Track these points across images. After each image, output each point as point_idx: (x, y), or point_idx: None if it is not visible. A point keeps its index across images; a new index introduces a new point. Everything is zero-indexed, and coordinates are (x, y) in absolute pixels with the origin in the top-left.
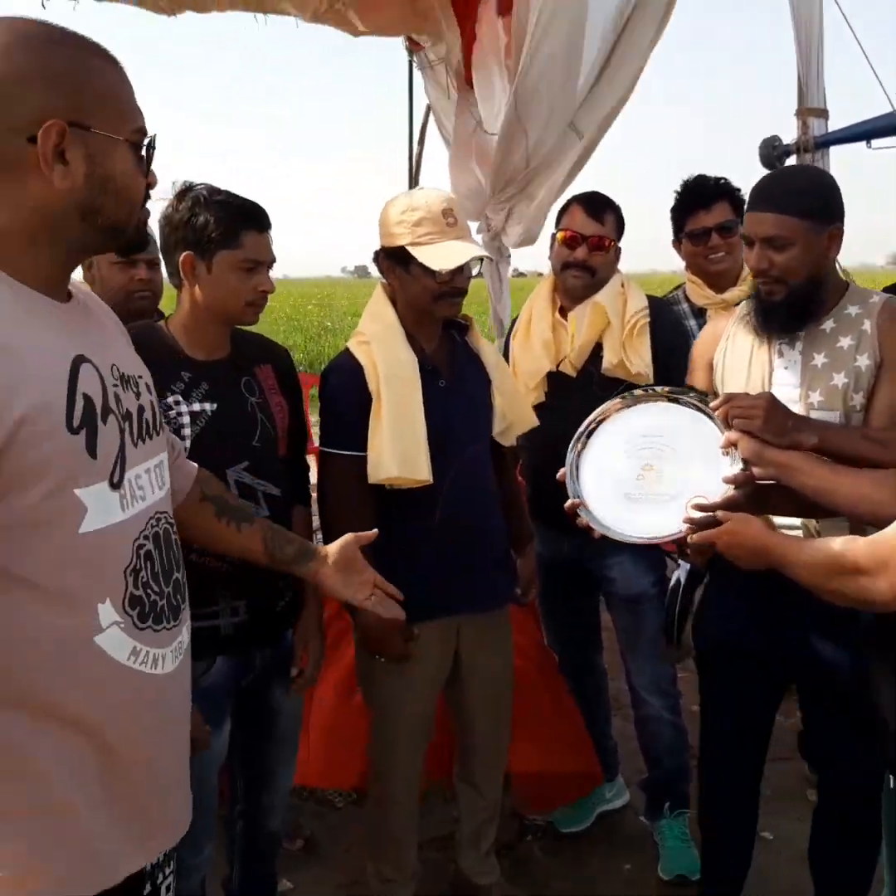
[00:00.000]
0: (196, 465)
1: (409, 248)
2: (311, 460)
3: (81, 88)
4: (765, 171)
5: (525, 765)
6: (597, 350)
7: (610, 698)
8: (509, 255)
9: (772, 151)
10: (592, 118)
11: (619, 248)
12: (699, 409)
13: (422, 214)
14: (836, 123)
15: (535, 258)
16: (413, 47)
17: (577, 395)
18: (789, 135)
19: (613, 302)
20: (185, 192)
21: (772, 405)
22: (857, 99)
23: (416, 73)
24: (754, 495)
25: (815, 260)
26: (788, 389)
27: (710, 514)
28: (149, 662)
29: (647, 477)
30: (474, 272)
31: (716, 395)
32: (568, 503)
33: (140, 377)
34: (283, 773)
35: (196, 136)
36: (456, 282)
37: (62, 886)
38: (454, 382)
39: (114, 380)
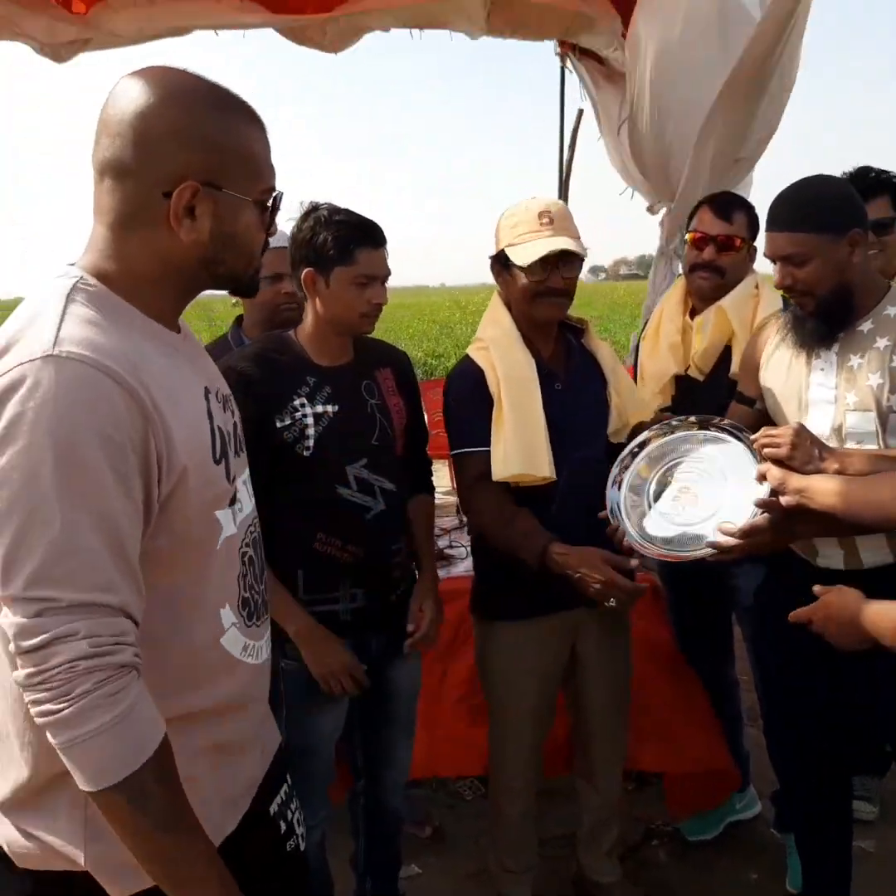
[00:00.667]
0: None
1: (507, 250)
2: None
3: (223, 151)
4: None
5: (655, 764)
6: (727, 354)
7: (744, 709)
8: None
9: None
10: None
11: (754, 248)
12: (737, 438)
13: (519, 217)
14: None
15: None
16: (563, 50)
17: (705, 399)
18: None
19: (740, 306)
20: (309, 212)
21: (798, 434)
22: None
23: (568, 78)
24: (780, 521)
25: (838, 269)
26: (824, 391)
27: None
28: (254, 654)
29: (683, 498)
30: (575, 274)
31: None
32: (602, 512)
33: (229, 395)
34: (402, 751)
35: (373, 155)
36: (551, 281)
37: None
38: (570, 384)
39: (219, 403)
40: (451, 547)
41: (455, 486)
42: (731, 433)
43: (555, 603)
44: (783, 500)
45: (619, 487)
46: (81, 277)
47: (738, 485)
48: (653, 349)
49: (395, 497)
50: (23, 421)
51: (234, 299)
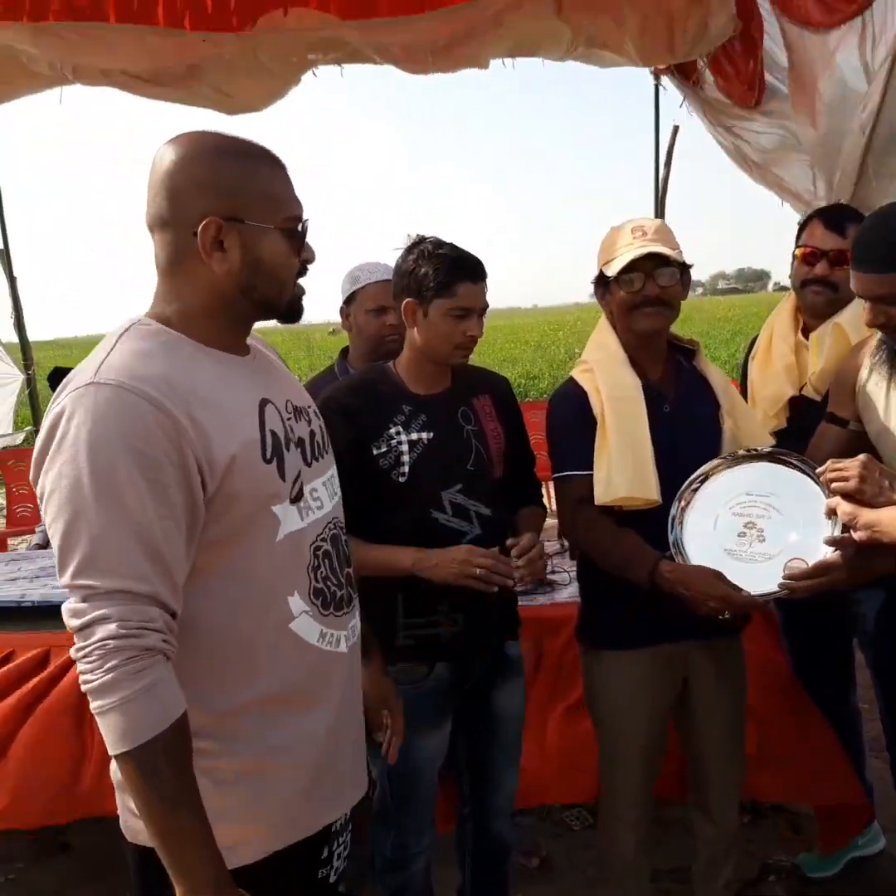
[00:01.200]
0: None
1: (603, 268)
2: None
3: (241, 190)
4: None
5: (775, 794)
6: None
7: (866, 739)
8: None
9: None
10: None
11: None
12: (803, 472)
13: (615, 235)
14: None
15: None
16: (659, 71)
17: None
18: None
19: (858, 322)
20: (415, 245)
21: (866, 466)
22: None
23: (663, 96)
24: (857, 559)
25: None
26: None
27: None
28: (333, 642)
29: (749, 534)
30: (673, 284)
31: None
32: (666, 553)
33: (309, 407)
34: (508, 776)
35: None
36: (647, 289)
37: (264, 837)
38: (679, 407)
39: (288, 413)
40: (553, 572)
41: (556, 509)
42: (797, 468)
43: (664, 633)
44: (855, 535)
45: (681, 526)
46: (140, 319)
47: (807, 521)
48: (764, 369)
49: (492, 522)
50: (67, 438)
51: (330, 328)
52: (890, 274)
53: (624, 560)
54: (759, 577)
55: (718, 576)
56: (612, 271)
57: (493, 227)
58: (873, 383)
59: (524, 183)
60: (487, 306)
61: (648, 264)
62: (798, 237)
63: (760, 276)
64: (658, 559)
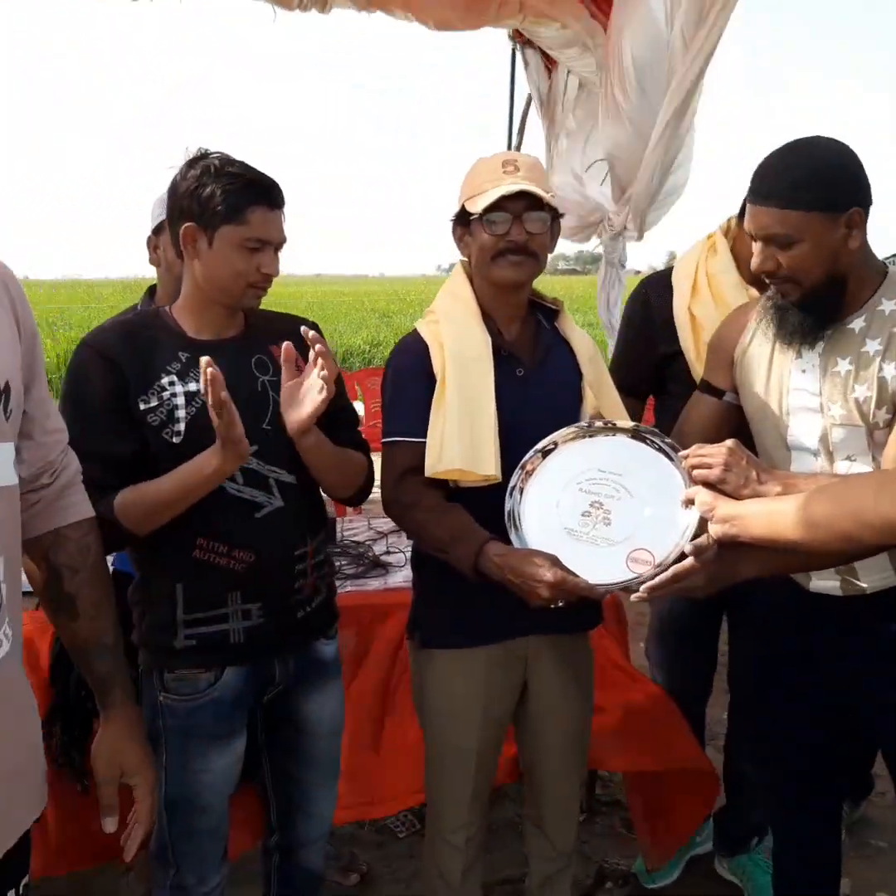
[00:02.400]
0: (85, 510)
1: (466, 204)
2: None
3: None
4: None
5: (622, 764)
6: None
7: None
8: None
9: None
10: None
11: None
12: (665, 453)
13: (482, 167)
14: None
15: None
16: (517, 37)
17: None
18: None
19: None
20: (197, 160)
21: (732, 453)
22: None
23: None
24: (717, 564)
25: (832, 254)
26: (807, 398)
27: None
28: None
29: (595, 515)
30: (543, 232)
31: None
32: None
33: None
34: (323, 800)
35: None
36: (513, 234)
37: None
38: (535, 372)
39: None
40: (388, 552)
41: (380, 479)
42: (659, 448)
43: (504, 629)
44: (711, 529)
45: (521, 495)
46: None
47: (659, 508)
48: (720, 304)
49: (298, 491)
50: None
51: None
52: (788, 210)
53: (447, 540)
54: (600, 563)
55: (553, 560)
56: (475, 208)
57: (349, 188)
58: (755, 350)
59: (381, 148)
60: (285, 240)
61: (518, 205)
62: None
63: (596, 260)
64: (486, 540)
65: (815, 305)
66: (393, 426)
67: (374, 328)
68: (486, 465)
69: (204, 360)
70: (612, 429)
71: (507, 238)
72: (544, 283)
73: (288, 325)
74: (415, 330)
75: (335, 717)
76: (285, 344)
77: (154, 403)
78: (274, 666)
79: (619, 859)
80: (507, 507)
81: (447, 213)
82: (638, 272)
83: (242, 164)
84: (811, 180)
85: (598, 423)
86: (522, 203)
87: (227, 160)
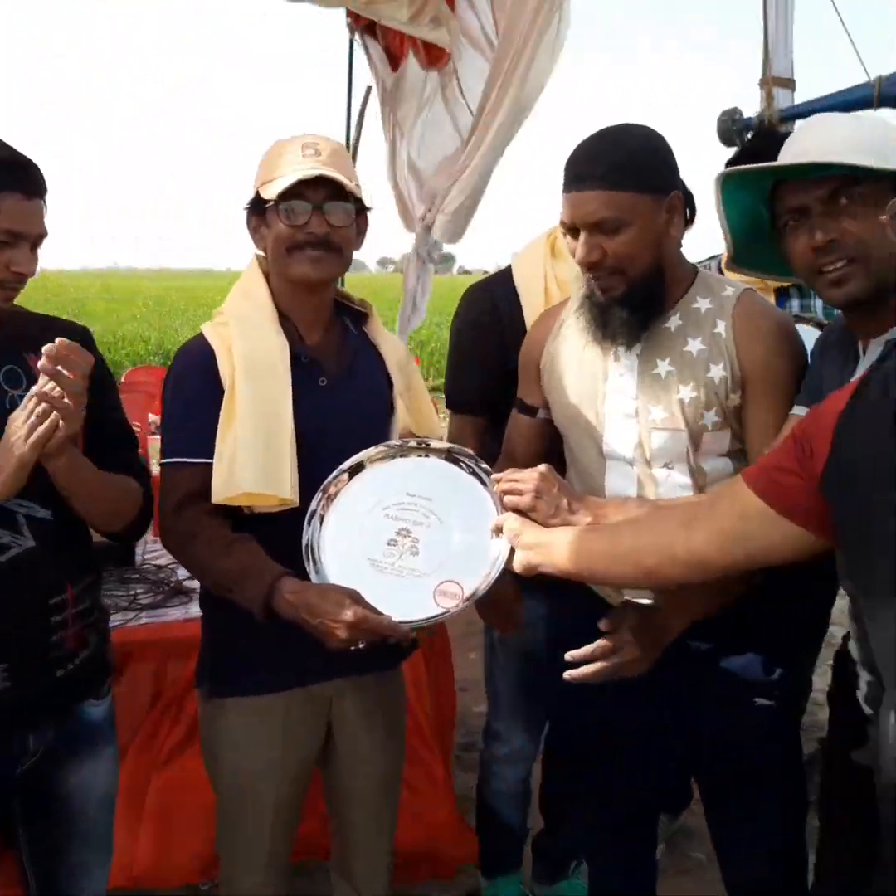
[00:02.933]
0: None
1: (260, 190)
2: None
3: None
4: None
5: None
6: None
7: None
8: (439, 251)
9: (731, 126)
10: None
11: None
12: (477, 477)
13: (279, 150)
14: (802, 95)
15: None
16: (355, 23)
17: None
18: (752, 107)
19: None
20: None
21: (544, 479)
22: (825, 69)
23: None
24: (643, 621)
25: (657, 239)
26: (623, 401)
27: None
28: None
29: (401, 544)
30: (346, 225)
31: None
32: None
33: None
34: (91, 882)
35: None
36: (312, 225)
37: None
38: (341, 381)
39: None
40: (190, 579)
41: (157, 505)
42: (472, 471)
43: (304, 673)
44: (516, 557)
45: (321, 523)
46: None
47: (472, 535)
48: None
49: (55, 528)
50: None
51: None
52: (616, 191)
53: (234, 576)
54: (407, 597)
55: (354, 596)
56: (270, 194)
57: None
58: (563, 356)
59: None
60: (44, 234)
61: (319, 194)
62: None
63: (447, 259)
64: (278, 576)
65: (641, 299)
66: (171, 445)
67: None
68: (282, 486)
69: None
70: (426, 449)
71: (306, 229)
72: (382, 280)
73: (51, 329)
74: (200, 333)
75: (108, 784)
76: (47, 348)
77: None
78: (26, 736)
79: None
80: (305, 537)
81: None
82: (467, 271)
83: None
84: (633, 162)
85: (411, 443)
86: (324, 191)
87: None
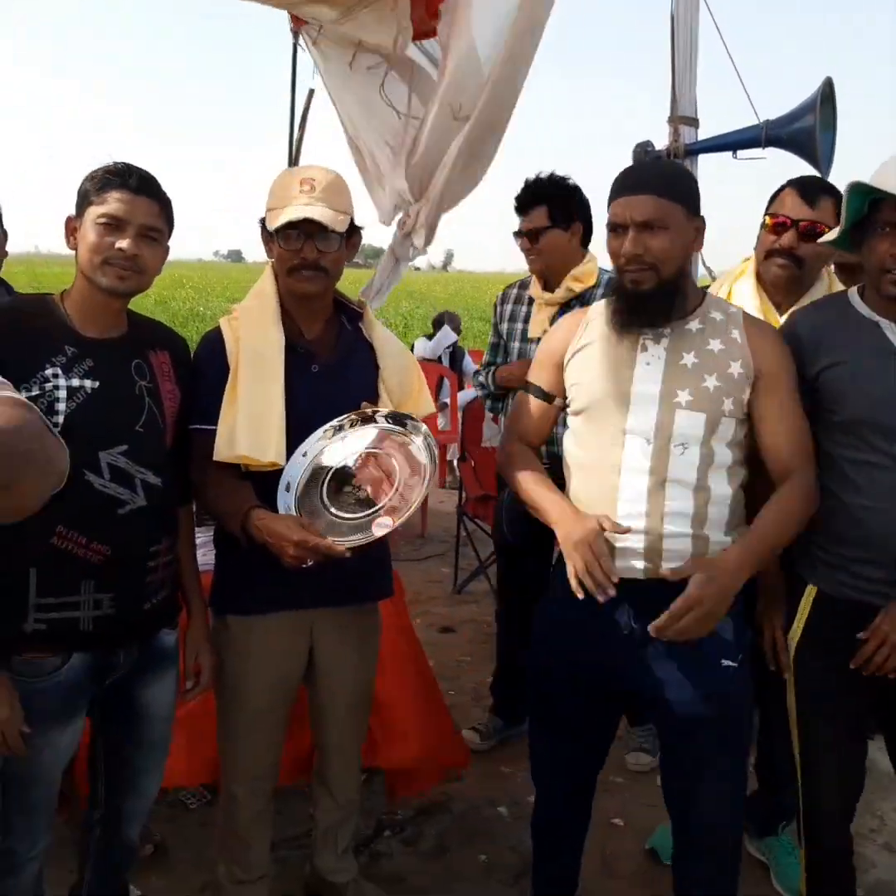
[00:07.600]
0: None
1: (267, 216)
2: None
3: None
4: None
5: (391, 761)
6: None
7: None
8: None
9: (644, 156)
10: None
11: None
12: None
13: (282, 181)
14: (705, 132)
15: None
16: (296, 24)
17: None
18: (661, 141)
19: None
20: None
21: None
22: (724, 110)
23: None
24: (710, 568)
25: (685, 249)
26: (652, 385)
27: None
28: None
29: (353, 493)
30: (332, 249)
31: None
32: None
33: None
34: (150, 780)
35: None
36: (305, 252)
37: None
38: (332, 369)
39: None
40: None
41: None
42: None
43: (290, 599)
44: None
45: (291, 489)
46: None
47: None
48: None
49: (161, 493)
50: None
51: None
52: (662, 198)
53: (225, 508)
54: (352, 531)
55: (302, 523)
56: (271, 225)
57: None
58: (590, 349)
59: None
60: (155, 227)
61: (312, 226)
62: (768, 205)
63: (378, 254)
64: (252, 507)
65: (664, 295)
66: (197, 415)
67: (150, 313)
68: (269, 452)
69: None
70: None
71: (300, 255)
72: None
73: (164, 334)
74: (217, 326)
75: (168, 704)
76: None
77: (35, 393)
78: (119, 653)
79: (397, 812)
80: (281, 507)
81: (226, 200)
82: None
83: (126, 165)
84: (678, 181)
85: (385, 415)
86: (316, 224)
87: (116, 165)
